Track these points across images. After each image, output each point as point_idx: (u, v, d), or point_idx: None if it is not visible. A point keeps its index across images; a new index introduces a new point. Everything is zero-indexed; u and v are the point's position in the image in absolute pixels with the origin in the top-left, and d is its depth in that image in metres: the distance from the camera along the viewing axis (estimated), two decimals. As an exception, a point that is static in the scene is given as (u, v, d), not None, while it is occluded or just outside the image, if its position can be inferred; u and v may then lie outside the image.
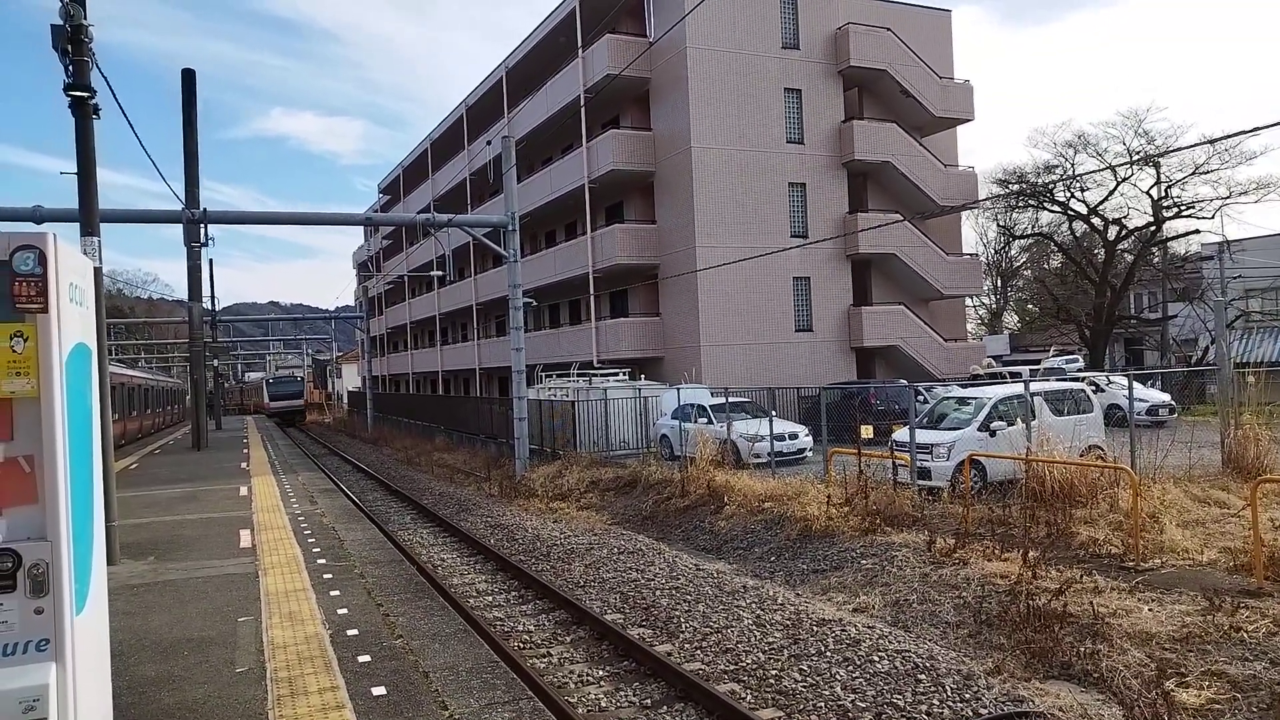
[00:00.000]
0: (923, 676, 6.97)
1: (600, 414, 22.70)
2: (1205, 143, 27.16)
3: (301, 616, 7.50)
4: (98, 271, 9.58)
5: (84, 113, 10.12)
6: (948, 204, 31.77)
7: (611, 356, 29.61)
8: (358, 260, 70.11)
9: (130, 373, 35.26)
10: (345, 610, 7.85)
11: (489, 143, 33.71)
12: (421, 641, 7.43)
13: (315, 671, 6.07)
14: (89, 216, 10.28)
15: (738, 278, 27.47)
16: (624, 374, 25.73)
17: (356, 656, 6.50)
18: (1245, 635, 7.15)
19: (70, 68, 9.84)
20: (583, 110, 30.91)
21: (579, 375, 25.50)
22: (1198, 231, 36.76)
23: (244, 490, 16.44)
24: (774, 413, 18.96)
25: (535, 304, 31.85)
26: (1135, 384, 15.09)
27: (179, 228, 21.81)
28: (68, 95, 9.96)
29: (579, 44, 31.25)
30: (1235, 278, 33.22)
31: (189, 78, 26.49)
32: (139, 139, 14.07)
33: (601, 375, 25.23)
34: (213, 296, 40.71)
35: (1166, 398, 24.13)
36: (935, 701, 6.53)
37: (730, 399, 19.82)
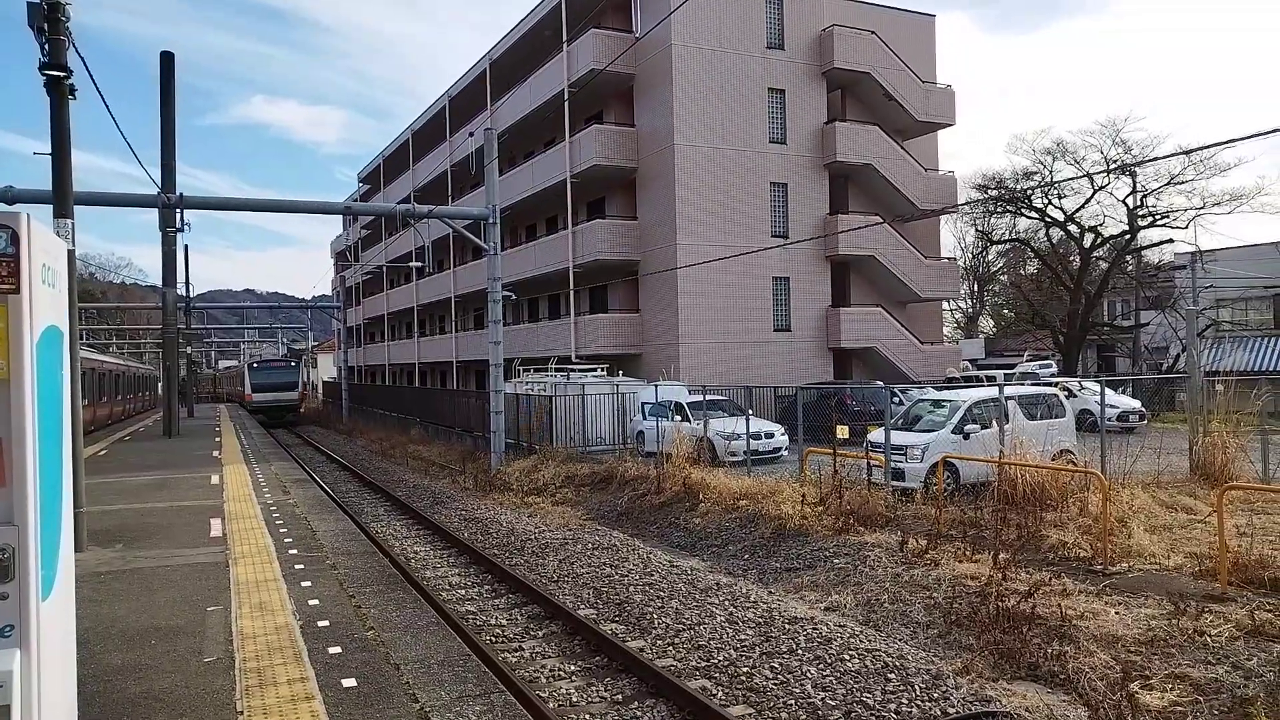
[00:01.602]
0: (892, 675, 7.03)
1: (577, 409, 22.67)
2: (1181, 153, 27.53)
3: (272, 607, 7.44)
4: (70, 254, 9.43)
5: (59, 93, 9.95)
6: (927, 208, 32.01)
7: (590, 352, 29.58)
8: (336, 250, 69.46)
9: (101, 358, 34.81)
10: (316, 601, 7.79)
11: (471, 134, 33.55)
12: (393, 634, 7.39)
13: (285, 662, 6.03)
14: (62, 198, 10.12)
15: (718, 276, 27.53)
16: (602, 370, 25.72)
17: (327, 648, 6.45)
18: (1209, 639, 7.27)
19: (46, 46, 9.67)
20: (566, 104, 30.83)
21: (557, 370, 25.47)
22: (1171, 241, 37.26)
23: (215, 478, 16.27)
24: (750, 411, 19.04)
25: (514, 298, 31.69)
26: (1107, 390, 15.29)
27: (154, 213, 21.54)
28: (43, 74, 9.79)
29: (564, 38, 31.16)
30: (1207, 287, 33.73)
31: (167, 60, 26.14)
32: (115, 120, 13.91)
33: (579, 371, 25.20)
34: (187, 283, 40.30)
35: (1137, 404, 24.49)
36: (904, 700, 6.59)
37: (707, 397, 19.87)
